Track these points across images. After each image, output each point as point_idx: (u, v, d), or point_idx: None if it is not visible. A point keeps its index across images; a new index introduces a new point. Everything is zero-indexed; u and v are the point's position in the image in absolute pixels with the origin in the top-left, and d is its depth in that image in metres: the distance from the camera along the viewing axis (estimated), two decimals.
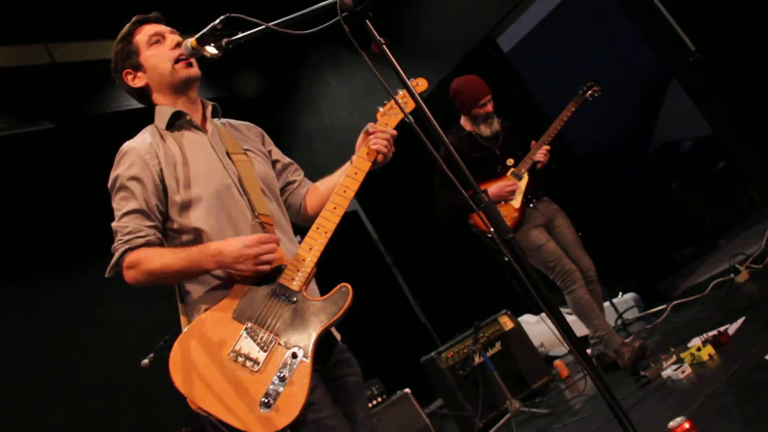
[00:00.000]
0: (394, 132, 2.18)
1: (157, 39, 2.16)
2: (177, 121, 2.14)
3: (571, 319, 5.66)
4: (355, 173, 2.10)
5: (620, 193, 7.07)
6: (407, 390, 4.79)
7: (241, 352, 1.82)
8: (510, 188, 4.20)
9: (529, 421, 4.17)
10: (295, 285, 1.92)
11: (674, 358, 3.41)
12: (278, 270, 1.95)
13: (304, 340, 1.84)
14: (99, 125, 6.84)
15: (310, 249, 1.95)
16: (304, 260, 1.94)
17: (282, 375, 1.79)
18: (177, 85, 2.14)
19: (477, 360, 4.56)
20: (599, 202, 6.17)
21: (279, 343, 1.83)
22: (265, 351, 1.82)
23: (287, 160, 2.37)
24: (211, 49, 2.02)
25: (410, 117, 1.74)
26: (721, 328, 3.39)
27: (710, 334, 3.37)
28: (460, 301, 7.02)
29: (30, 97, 6.46)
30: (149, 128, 2.15)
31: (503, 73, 6.21)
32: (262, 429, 1.72)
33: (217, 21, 1.91)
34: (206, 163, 2.08)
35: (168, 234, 2.03)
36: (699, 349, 3.26)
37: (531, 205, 4.33)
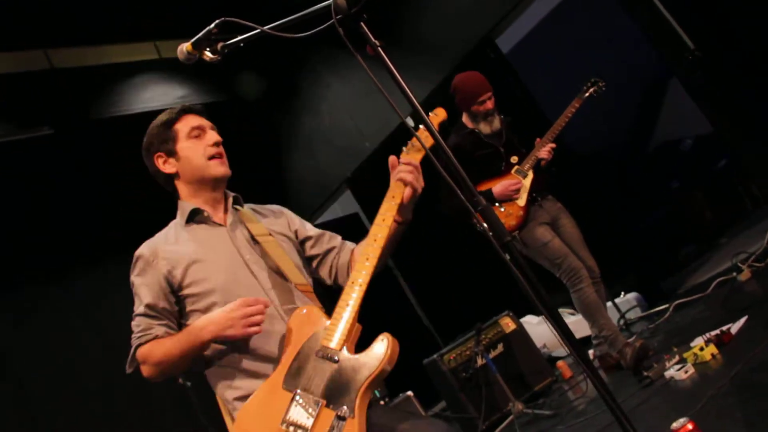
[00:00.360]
0: (417, 164, 2.12)
1: (198, 133, 2.22)
2: (196, 217, 2.21)
3: (571, 321, 5.66)
4: (383, 219, 2.06)
5: (621, 192, 7.07)
6: (410, 393, 4.78)
7: (291, 420, 1.83)
8: (515, 186, 4.18)
9: (532, 422, 4.15)
10: (335, 344, 1.91)
11: (677, 358, 3.40)
12: (321, 331, 1.96)
13: (349, 399, 1.83)
14: (98, 130, 6.85)
15: (347, 305, 1.96)
16: (340, 317, 1.94)
17: None
18: (207, 181, 2.21)
19: (479, 362, 4.54)
20: (600, 201, 6.16)
21: (325, 407, 1.83)
22: (312, 416, 1.82)
23: (317, 230, 2.39)
24: (208, 53, 2.03)
25: (408, 123, 1.71)
26: (724, 328, 3.37)
27: (713, 333, 3.35)
28: (462, 302, 7.01)
29: (29, 102, 6.47)
30: (171, 225, 2.24)
31: (502, 74, 6.19)
32: None
33: (212, 25, 1.91)
34: (221, 256, 2.14)
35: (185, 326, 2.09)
36: (702, 349, 3.24)
37: (536, 203, 4.31)
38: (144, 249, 2.16)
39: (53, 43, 6.61)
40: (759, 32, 4.59)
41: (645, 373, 3.43)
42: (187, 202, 2.23)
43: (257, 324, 1.95)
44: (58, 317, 5.93)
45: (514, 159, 4.35)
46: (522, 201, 4.20)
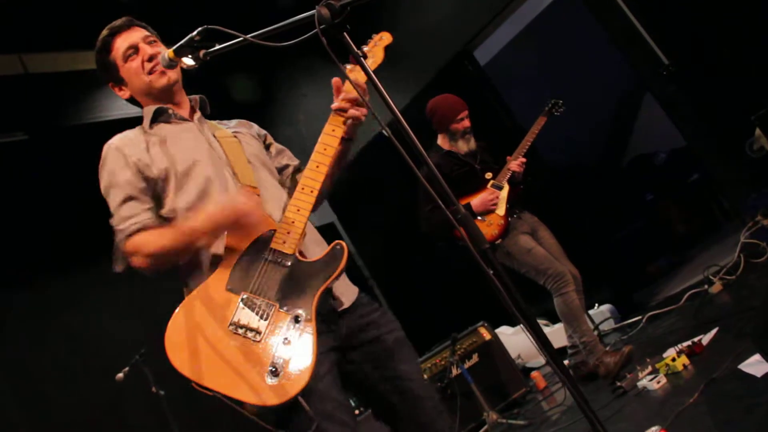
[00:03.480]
0: (363, 86, 2.06)
1: (131, 53, 2.16)
2: (161, 117, 2.14)
3: (547, 332, 5.70)
4: (333, 130, 2.05)
5: (595, 204, 7.13)
6: None
7: (240, 323, 1.76)
8: (492, 198, 4.25)
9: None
10: (287, 248, 1.86)
11: (650, 368, 3.44)
12: (269, 235, 1.89)
13: (304, 303, 1.79)
14: (73, 136, 6.78)
15: (298, 210, 1.91)
16: (293, 222, 1.89)
17: (286, 341, 1.73)
18: (157, 94, 2.16)
19: (454, 372, 4.56)
20: (575, 214, 6.22)
21: (279, 309, 1.78)
22: (265, 319, 1.76)
23: (281, 146, 2.37)
24: (188, 61, 2.03)
25: (388, 130, 1.72)
26: (696, 339, 3.43)
27: (685, 344, 3.40)
28: (437, 313, 7.02)
29: (3, 107, 6.38)
30: (136, 129, 2.16)
31: (479, 86, 6.25)
32: (276, 399, 1.67)
33: (195, 33, 1.91)
34: (190, 145, 2.08)
35: (162, 218, 2.02)
36: (674, 360, 3.29)
37: (515, 216, 4.39)
38: (113, 141, 2.10)
39: (28, 48, 6.54)
40: (731, 48, 4.68)
41: (618, 384, 3.47)
42: (150, 106, 2.16)
43: (253, 216, 1.86)
44: (28, 323, 5.85)
45: (488, 175, 4.44)
46: (501, 210, 4.27)
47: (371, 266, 7.99)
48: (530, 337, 1.40)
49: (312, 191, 1.94)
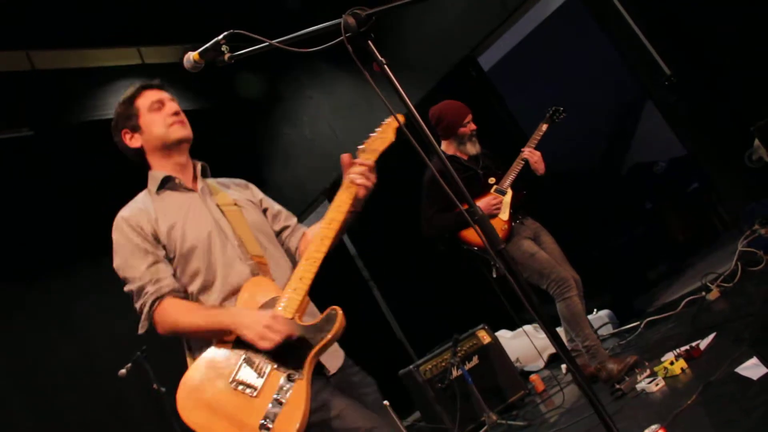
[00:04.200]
0: (371, 163, 2.28)
1: (158, 106, 2.32)
2: (167, 184, 2.30)
3: (545, 337, 5.76)
4: (339, 206, 2.20)
5: (595, 212, 7.20)
6: (386, 402, 4.82)
7: (241, 380, 1.93)
8: (496, 203, 4.30)
9: None
10: (287, 313, 2.01)
11: (648, 371, 3.50)
12: (272, 300, 2.07)
13: (298, 364, 1.94)
14: (78, 133, 6.84)
15: (300, 279, 2.06)
16: (295, 289, 2.05)
17: (278, 398, 1.89)
18: (170, 145, 2.30)
19: (455, 373, 4.61)
20: (575, 221, 6.29)
21: (274, 368, 1.94)
22: (261, 377, 1.93)
23: (277, 207, 2.51)
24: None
25: (407, 131, 1.79)
26: (693, 343, 3.48)
27: (683, 348, 3.46)
28: (436, 316, 7.08)
29: (9, 103, 6.44)
30: (142, 194, 2.32)
31: (483, 92, 6.33)
32: None
33: (221, 36, 1.96)
34: (197, 217, 2.23)
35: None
36: (672, 363, 3.35)
37: (518, 221, 4.44)
38: (125, 212, 2.24)
39: (35, 44, 6.60)
40: (733, 59, 4.76)
41: (617, 386, 3.53)
42: (157, 171, 2.32)
43: (272, 342, 1.98)
44: (32, 320, 5.91)
45: (491, 180, 4.48)
46: (505, 215, 4.31)
47: (371, 268, 8.05)
48: (546, 334, 1.46)
49: (315, 261, 2.09)
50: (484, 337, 5.03)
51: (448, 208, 4.38)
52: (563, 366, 4.95)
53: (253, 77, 7.72)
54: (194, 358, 2.09)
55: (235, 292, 2.16)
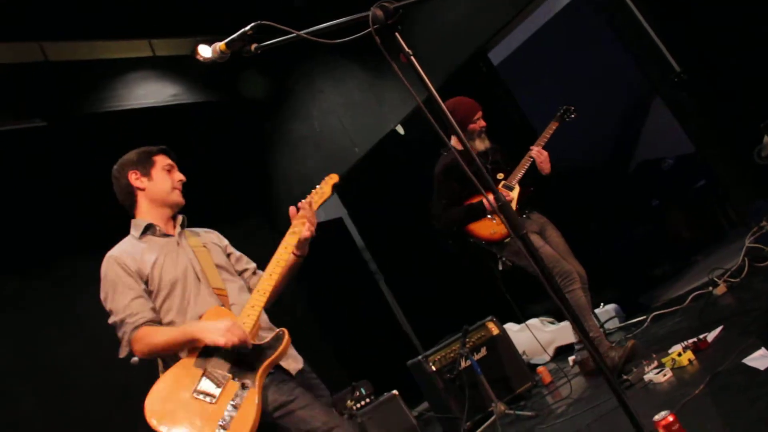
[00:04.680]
0: (311, 213, 2.76)
1: (170, 168, 2.81)
2: (149, 231, 2.72)
3: (552, 329, 5.81)
4: (285, 248, 2.65)
5: (602, 208, 7.23)
6: (395, 392, 4.90)
7: (202, 390, 2.29)
8: (504, 197, 4.33)
9: (514, 423, 4.28)
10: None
11: (655, 363, 3.55)
12: None
13: (251, 375, 2.34)
14: (91, 124, 6.90)
15: (252, 307, 2.49)
16: (248, 315, 2.46)
17: (234, 403, 2.26)
18: (168, 204, 2.77)
19: (464, 364, 4.67)
20: (582, 217, 6.33)
21: (231, 379, 2.32)
22: (219, 387, 2.30)
23: (238, 253, 2.93)
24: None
25: (425, 109, 1.86)
26: (701, 336, 3.53)
27: (690, 341, 3.51)
28: (443, 308, 7.14)
29: (23, 94, 6.49)
30: (127, 238, 2.73)
31: (493, 86, 6.36)
32: None
33: (248, 27, 2.02)
34: (175, 257, 2.66)
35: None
36: (679, 355, 3.40)
37: (524, 215, 4.49)
38: (114, 252, 2.63)
39: (49, 36, 6.65)
40: (742, 55, 4.79)
41: (625, 377, 3.58)
42: (141, 219, 2.74)
43: (237, 343, 2.36)
44: (45, 308, 5.97)
45: (500, 176, 4.54)
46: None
47: (378, 261, 8.11)
48: (568, 317, 1.51)
49: (264, 293, 2.53)
50: (493, 328, 5.09)
51: (458, 202, 4.44)
52: (570, 358, 5.00)
53: (262, 73, 7.77)
54: (165, 364, 2.52)
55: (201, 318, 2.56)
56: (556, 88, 7.68)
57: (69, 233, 6.28)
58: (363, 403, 4.81)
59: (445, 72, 6.34)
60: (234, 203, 7.64)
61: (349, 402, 4.46)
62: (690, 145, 6.24)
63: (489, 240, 4.37)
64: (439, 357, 4.87)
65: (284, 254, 2.61)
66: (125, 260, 2.57)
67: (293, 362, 2.61)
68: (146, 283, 2.56)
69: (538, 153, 4.42)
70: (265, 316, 2.69)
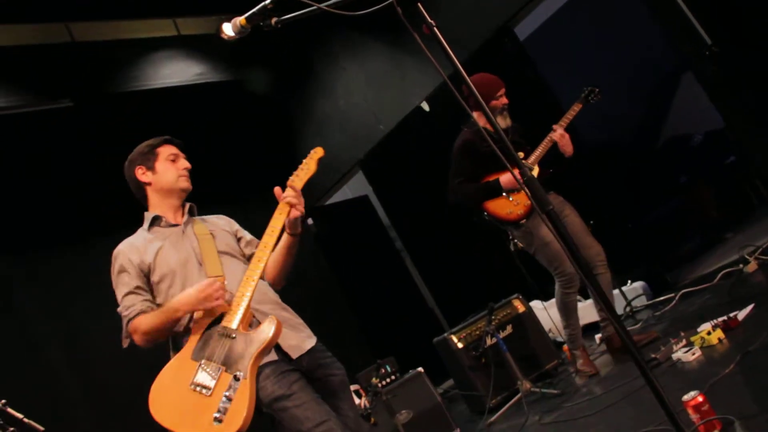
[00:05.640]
0: (298, 188, 2.70)
1: (174, 158, 2.83)
2: (156, 223, 2.78)
3: (580, 306, 5.78)
4: (272, 231, 2.63)
5: (631, 184, 7.15)
6: (420, 369, 4.91)
7: (198, 382, 2.37)
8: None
9: (539, 401, 4.27)
10: (233, 325, 2.45)
11: (684, 341, 3.51)
12: (222, 315, 2.49)
13: (243, 366, 2.38)
14: (117, 104, 6.95)
15: (242, 295, 2.50)
16: (239, 305, 2.49)
17: (228, 395, 2.32)
18: (175, 191, 2.81)
19: (489, 341, 4.66)
20: (610, 194, 6.25)
21: (225, 371, 2.38)
22: (214, 379, 2.36)
23: (249, 237, 2.93)
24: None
25: (450, 83, 1.83)
26: (731, 314, 3.49)
27: (720, 319, 3.47)
28: (469, 285, 7.13)
29: (50, 74, 6.55)
30: (139, 230, 2.80)
31: (518, 62, 6.28)
32: None
33: (268, 0, 2.00)
34: (177, 245, 2.71)
35: (158, 305, 2.61)
36: (709, 333, 3.36)
37: None
38: (120, 247, 2.71)
39: (75, 16, 6.68)
40: None
41: (653, 355, 3.55)
42: (150, 212, 2.80)
43: (219, 299, 2.46)
44: (76, 285, 6.05)
45: (520, 155, 4.48)
46: None
47: (404, 238, 8.10)
48: (592, 292, 1.49)
49: (253, 280, 2.53)
50: (519, 306, 5.07)
51: (475, 178, 4.42)
52: (597, 336, 4.98)
53: (288, 49, 7.75)
54: (174, 342, 2.61)
55: None
56: (584, 63, 7.57)
57: (98, 212, 6.34)
58: (388, 380, 4.82)
59: (470, 48, 6.27)
60: (260, 181, 7.65)
61: (374, 379, 4.46)
62: (720, 121, 6.13)
63: (505, 219, 4.35)
64: (464, 334, 4.87)
65: (270, 238, 2.62)
66: (128, 255, 2.65)
67: (297, 345, 2.63)
68: (149, 273, 2.63)
69: (560, 136, 4.35)
70: (274, 296, 2.76)
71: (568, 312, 4.35)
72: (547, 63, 6.59)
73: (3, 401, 3.45)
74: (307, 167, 2.82)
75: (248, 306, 2.49)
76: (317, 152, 2.88)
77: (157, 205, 2.81)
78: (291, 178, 2.75)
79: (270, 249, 2.60)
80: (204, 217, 2.95)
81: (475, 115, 4.59)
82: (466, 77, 1.76)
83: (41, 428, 3.29)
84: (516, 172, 1.72)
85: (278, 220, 2.64)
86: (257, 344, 2.41)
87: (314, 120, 8.12)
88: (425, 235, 7.67)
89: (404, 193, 7.72)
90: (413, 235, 7.90)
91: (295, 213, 2.66)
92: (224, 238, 2.83)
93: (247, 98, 8.11)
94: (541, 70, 6.30)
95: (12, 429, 3.29)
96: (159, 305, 2.61)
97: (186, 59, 7.53)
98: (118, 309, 2.61)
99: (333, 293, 7.84)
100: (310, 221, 8.26)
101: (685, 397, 2.36)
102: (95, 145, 6.57)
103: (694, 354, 3.32)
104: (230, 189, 7.01)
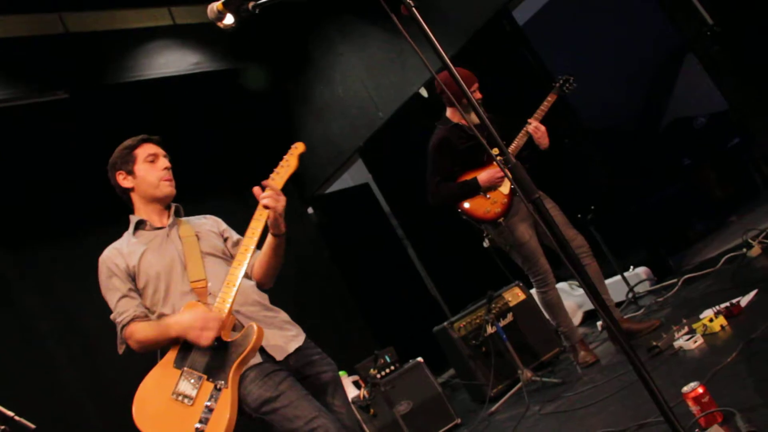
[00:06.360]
0: (277, 187, 2.61)
1: (152, 158, 2.75)
2: (140, 227, 2.74)
3: (581, 293, 5.72)
4: (252, 233, 2.57)
5: (633, 167, 7.07)
6: (420, 359, 4.86)
7: (179, 392, 2.37)
8: (499, 174, 4.27)
9: (540, 390, 4.22)
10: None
11: (686, 328, 3.45)
12: None
13: (224, 375, 2.37)
14: (113, 95, 6.88)
15: (223, 301, 2.46)
16: (220, 311, 2.45)
17: (209, 405, 2.32)
18: (158, 198, 2.74)
19: (489, 330, 4.61)
20: (612, 177, 6.18)
21: (206, 380, 2.37)
22: (196, 388, 2.36)
23: (236, 237, 2.87)
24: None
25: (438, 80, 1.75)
26: (734, 300, 3.42)
27: (722, 306, 3.40)
28: (471, 273, 7.07)
29: (44, 66, 6.48)
30: (124, 234, 2.75)
31: (517, 46, 6.19)
32: None
33: None
34: (161, 249, 2.67)
35: (146, 308, 2.62)
36: (711, 320, 3.30)
37: (518, 194, 4.37)
38: (105, 253, 2.68)
39: (68, 6, 6.61)
40: None
41: (654, 343, 3.49)
42: (135, 216, 2.76)
43: (208, 338, 2.40)
44: (74, 279, 6.00)
45: (495, 150, 4.41)
46: (506, 189, 4.31)
47: (405, 226, 8.04)
48: (583, 286, 1.43)
49: (234, 285, 2.48)
50: (519, 294, 5.02)
51: (451, 177, 4.38)
52: (598, 324, 4.92)
53: (284, 36, 7.67)
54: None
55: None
56: (583, 46, 7.46)
57: (93, 205, 6.29)
58: (387, 371, 4.77)
59: (468, 32, 6.17)
60: (259, 171, 7.60)
61: (372, 370, 4.42)
62: (723, 102, 6.04)
63: (482, 218, 4.31)
64: (464, 323, 4.82)
65: (250, 241, 2.56)
66: (114, 260, 2.62)
67: (281, 346, 2.59)
68: (135, 278, 2.60)
69: (535, 129, 4.26)
70: (258, 296, 2.72)
71: (553, 309, 4.35)
72: (546, 46, 6.49)
73: None
74: (288, 164, 2.73)
75: (229, 312, 2.46)
76: (297, 147, 2.78)
77: (141, 209, 2.77)
78: (271, 176, 2.67)
79: (250, 252, 2.55)
80: (190, 218, 2.90)
81: (448, 111, 4.55)
82: (451, 66, 1.70)
83: (32, 426, 3.24)
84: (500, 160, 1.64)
85: (258, 221, 2.58)
86: (237, 354, 2.39)
87: (313, 107, 8.04)
88: (427, 222, 7.60)
89: (405, 180, 7.64)
90: (414, 222, 7.83)
91: (272, 215, 2.57)
92: (209, 239, 2.79)
93: (244, 87, 8.03)
94: (540, 54, 6.21)
95: (3, 427, 3.24)
96: (147, 308, 2.60)
97: (182, 48, 7.45)
98: (111, 316, 2.58)
99: (334, 282, 7.79)
100: (310, 210, 8.21)
101: (685, 389, 2.31)
102: (92, 136, 6.51)
103: (696, 342, 3.26)
104: (229, 179, 6.96)
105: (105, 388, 5.69)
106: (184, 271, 2.62)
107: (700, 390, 2.26)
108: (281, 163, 2.72)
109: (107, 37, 6.90)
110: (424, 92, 6.85)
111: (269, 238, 2.65)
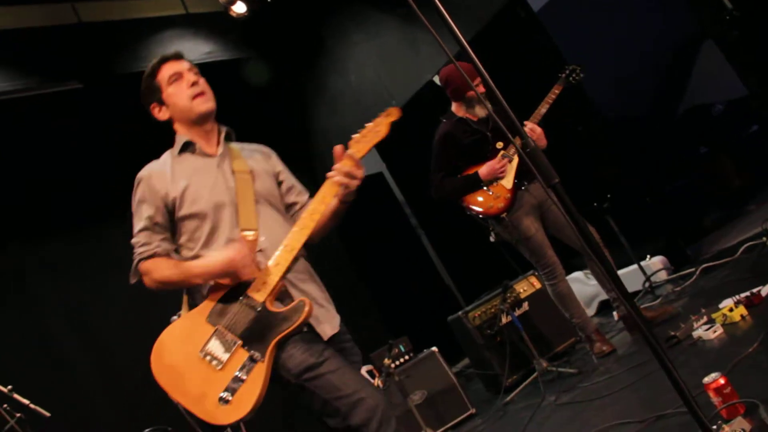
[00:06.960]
0: (357, 158, 2.29)
1: (176, 78, 2.45)
2: (188, 149, 2.46)
3: (594, 283, 5.66)
4: (324, 198, 2.29)
5: (649, 156, 6.98)
6: (434, 348, 4.84)
7: (209, 351, 2.14)
8: (501, 166, 4.24)
9: (556, 380, 4.19)
10: (259, 296, 2.19)
11: (705, 318, 3.40)
12: (249, 281, 2.21)
13: (262, 347, 2.12)
14: (126, 85, 6.85)
15: (277, 265, 2.21)
16: (270, 274, 2.21)
17: (239, 375, 2.09)
18: (195, 119, 2.45)
19: (504, 319, 4.58)
20: (628, 165, 6.11)
21: (241, 347, 2.13)
22: (228, 352, 2.12)
23: (292, 182, 2.59)
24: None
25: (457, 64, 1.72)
26: (754, 290, 3.37)
27: (742, 295, 3.35)
28: (486, 262, 7.02)
29: (58, 56, 6.48)
30: (165, 154, 2.49)
31: (532, 33, 6.12)
32: (217, 421, 2.07)
33: None
34: (207, 184, 2.37)
35: (179, 245, 2.38)
36: (731, 310, 3.25)
37: (523, 188, 4.33)
38: (144, 172, 2.40)
39: None
40: None
41: (672, 333, 3.44)
42: (181, 136, 2.47)
43: (246, 275, 2.20)
44: (89, 270, 6.03)
45: (499, 144, 4.40)
46: (508, 183, 4.27)
47: (419, 216, 8.01)
48: (602, 272, 1.39)
49: (292, 250, 2.22)
50: (535, 283, 4.99)
51: (456, 172, 4.37)
52: (615, 313, 4.87)
53: (298, 25, 7.63)
54: (190, 296, 2.35)
55: None
56: (599, 33, 7.36)
57: (110, 195, 6.29)
58: (401, 360, 4.75)
59: (481, 19, 6.11)
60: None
61: (386, 360, 4.40)
62: (742, 89, 5.95)
63: (486, 213, 4.28)
64: (479, 313, 4.80)
65: (320, 206, 2.27)
66: (153, 182, 2.35)
67: (328, 327, 2.33)
68: (174, 209, 2.32)
69: (530, 131, 4.16)
70: (305, 265, 2.43)
71: (564, 301, 4.30)
72: (561, 33, 6.40)
73: (9, 387, 3.42)
74: (376, 131, 2.32)
75: (281, 278, 2.20)
76: (391, 113, 2.35)
77: (185, 133, 2.48)
78: (354, 140, 2.31)
79: (318, 217, 2.27)
80: (245, 145, 2.59)
81: (453, 105, 4.54)
82: (471, 52, 1.66)
83: (47, 414, 3.26)
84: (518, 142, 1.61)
85: (331, 187, 2.28)
86: (281, 329, 2.14)
87: (327, 96, 8.00)
88: (440, 212, 7.56)
89: (419, 169, 7.60)
90: (429, 212, 7.80)
91: (344, 191, 2.29)
92: (265, 180, 2.47)
93: (258, 75, 8.00)
94: (555, 40, 6.14)
95: (19, 415, 3.26)
96: (180, 246, 2.37)
97: (194, 38, 7.43)
98: (132, 240, 2.34)
99: (347, 271, 7.78)
100: None
101: (706, 380, 2.26)
102: (105, 126, 6.53)
103: (715, 332, 3.21)
104: None
105: (116, 377, 5.72)
106: (235, 214, 2.33)
107: (722, 381, 2.22)
108: (369, 127, 2.34)
109: (120, 26, 6.90)
110: (437, 80, 6.80)
111: (334, 203, 2.34)
